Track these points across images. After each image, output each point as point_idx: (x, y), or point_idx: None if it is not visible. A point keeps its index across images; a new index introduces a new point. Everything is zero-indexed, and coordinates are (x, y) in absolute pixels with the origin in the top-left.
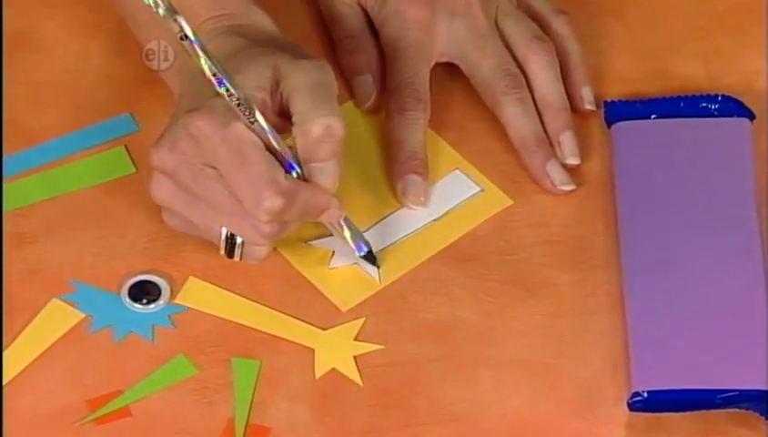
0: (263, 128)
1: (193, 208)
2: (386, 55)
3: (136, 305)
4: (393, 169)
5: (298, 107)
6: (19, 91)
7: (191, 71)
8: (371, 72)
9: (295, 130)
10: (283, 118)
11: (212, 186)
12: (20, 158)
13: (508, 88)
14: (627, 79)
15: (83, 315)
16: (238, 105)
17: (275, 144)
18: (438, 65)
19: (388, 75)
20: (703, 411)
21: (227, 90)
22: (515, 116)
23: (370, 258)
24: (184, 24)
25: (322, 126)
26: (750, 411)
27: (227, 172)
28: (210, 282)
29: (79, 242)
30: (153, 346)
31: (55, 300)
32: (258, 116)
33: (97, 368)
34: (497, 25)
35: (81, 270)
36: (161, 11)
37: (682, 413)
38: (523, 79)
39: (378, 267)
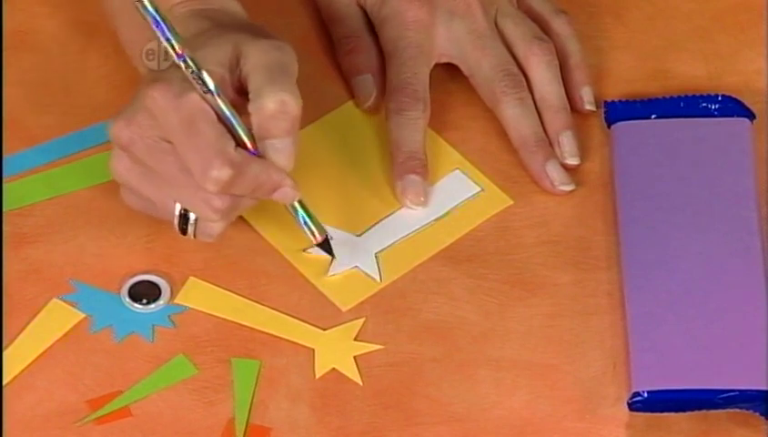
0: (217, 99)
1: (148, 183)
2: (385, 56)
3: (137, 305)
4: (393, 169)
5: (255, 84)
6: (19, 91)
7: (160, 55)
8: (371, 72)
9: (250, 106)
10: (242, 96)
11: (165, 159)
12: (20, 158)
13: (508, 88)
14: (627, 79)
15: (83, 315)
16: (192, 74)
17: (229, 115)
18: (438, 65)
19: (387, 75)
20: (704, 412)
21: (184, 61)
22: (515, 116)
23: (326, 246)
24: None
25: (276, 101)
26: (750, 412)
27: (179, 142)
28: (210, 282)
29: (79, 242)
30: (153, 346)
31: (55, 300)
32: (211, 84)
33: (97, 368)
34: (496, 25)
35: (81, 270)
36: None
37: (682, 413)
38: (523, 79)
39: (334, 257)
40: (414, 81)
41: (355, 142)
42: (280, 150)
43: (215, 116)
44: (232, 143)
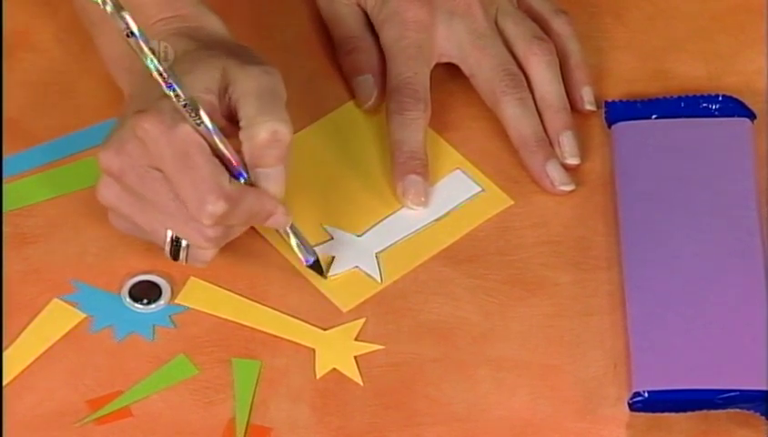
0: (209, 130)
1: (139, 211)
2: (386, 56)
3: (137, 305)
4: (393, 170)
5: (246, 112)
6: (19, 91)
7: (141, 71)
8: (372, 72)
9: (242, 135)
10: (231, 123)
11: (158, 188)
12: (20, 158)
13: (508, 88)
14: (627, 79)
15: (84, 315)
16: (185, 106)
17: (221, 147)
18: (438, 65)
19: (387, 75)
20: (704, 412)
21: (175, 91)
22: (515, 116)
23: (317, 268)
24: (130, 21)
25: (269, 131)
26: (750, 412)
27: (172, 175)
28: (210, 282)
29: (80, 242)
30: (153, 346)
31: (55, 300)
32: (205, 117)
33: (98, 368)
34: (497, 25)
35: (82, 270)
36: (108, 8)
37: (682, 413)
38: (523, 79)
39: (325, 277)
40: (414, 81)
41: (355, 142)
42: (272, 178)
43: (208, 149)
44: (226, 176)
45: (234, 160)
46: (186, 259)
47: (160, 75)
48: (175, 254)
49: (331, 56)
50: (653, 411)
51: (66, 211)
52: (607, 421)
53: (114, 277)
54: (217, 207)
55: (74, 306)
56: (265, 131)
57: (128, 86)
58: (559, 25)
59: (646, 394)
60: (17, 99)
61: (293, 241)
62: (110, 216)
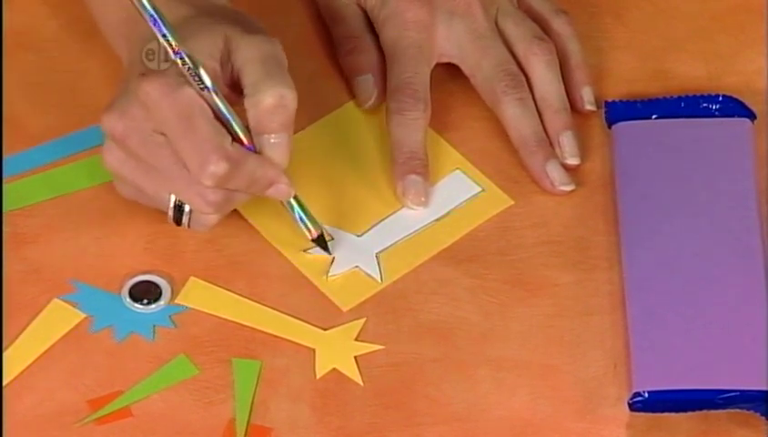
0: (212, 95)
1: (142, 175)
2: (386, 56)
3: (137, 305)
4: (393, 170)
5: (250, 79)
6: (19, 91)
7: (141, 37)
8: (372, 72)
9: (247, 102)
10: (233, 91)
11: (160, 152)
12: (20, 158)
13: (508, 88)
14: (627, 79)
15: (83, 315)
16: (189, 70)
17: (225, 112)
18: (438, 65)
19: (387, 75)
20: (704, 412)
21: (181, 58)
22: (515, 116)
23: (321, 242)
24: None
25: (275, 96)
26: (750, 412)
27: (175, 137)
28: (211, 282)
29: (80, 242)
30: (154, 346)
31: (55, 301)
32: (208, 81)
33: (98, 368)
34: (497, 25)
35: (81, 271)
36: None
37: (682, 413)
38: (524, 79)
39: (330, 253)
40: (415, 81)
41: (355, 142)
42: (277, 146)
43: (210, 112)
44: (228, 138)
45: (238, 128)
46: (189, 224)
47: (165, 38)
48: (177, 219)
49: (331, 56)
50: (653, 411)
51: (66, 211)
52: (607, 421)
53: (114, 277)
54: (218, 167)
55: (74, 306)
56: (271, 96)
57: (127, 53)
58: (559, 25)
59: (646, 394)
60: (17, 99)
61: (296, 215)
62: (115, 182)
